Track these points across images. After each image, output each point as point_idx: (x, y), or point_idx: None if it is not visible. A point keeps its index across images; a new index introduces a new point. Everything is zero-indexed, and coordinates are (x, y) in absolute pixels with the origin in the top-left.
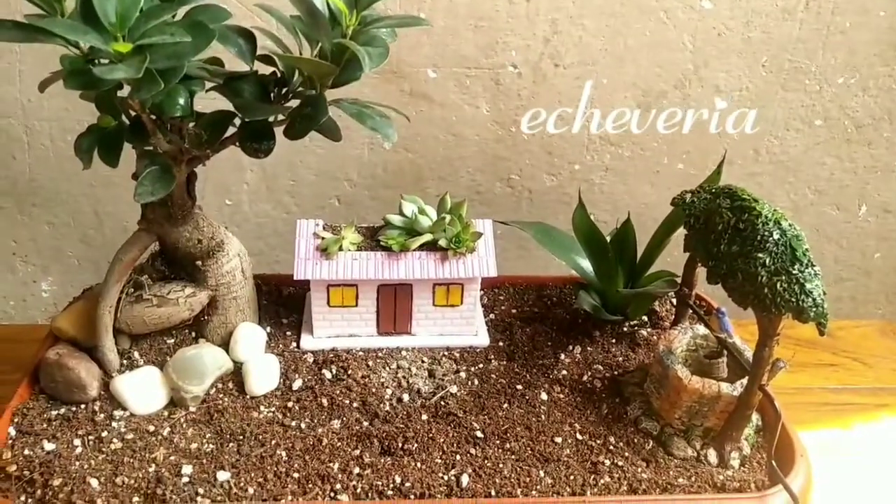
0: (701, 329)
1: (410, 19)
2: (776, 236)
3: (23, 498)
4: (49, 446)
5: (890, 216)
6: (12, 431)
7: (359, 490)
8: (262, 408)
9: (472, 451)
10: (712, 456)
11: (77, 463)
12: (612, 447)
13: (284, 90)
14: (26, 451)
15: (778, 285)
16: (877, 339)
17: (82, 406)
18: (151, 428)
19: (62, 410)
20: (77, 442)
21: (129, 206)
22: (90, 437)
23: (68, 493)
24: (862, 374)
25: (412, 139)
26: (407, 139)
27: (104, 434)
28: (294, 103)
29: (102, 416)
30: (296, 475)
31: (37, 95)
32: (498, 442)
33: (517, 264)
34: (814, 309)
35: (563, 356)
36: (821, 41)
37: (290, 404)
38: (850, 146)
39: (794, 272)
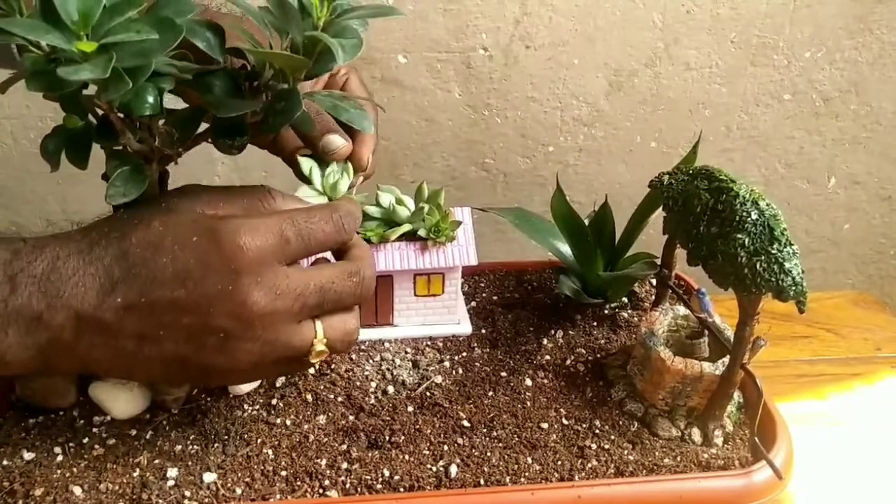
0: (681, 310)
1: (383, 9)
2: (754, 216)
3: None
4: (28, 455)
5: (858, 187)
6: None
7: (348, 485)
8: (245, 406)
9: (460, 440)
10: (696, 435)
11: (59, 471)
12: (597, 431)
13: (256, 84)
14: (5, 462)
15: (758, 265)
16: (849, 310)
17: (61, 413)
18: (133, 432)
19: (40, 418)
20: (57, 450)
21: (99, 204)
22: (71, 445)
23: (51, 503)
24: (835, 344)
25: (384, 126)
26: (379, 126)
27: (85, 440)
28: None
29: (82, 422)
30: (283, 473)
31: None
32: (485, 430)
33: (494, 248)
34: (793, 288)
35: (545, 341)
36: (787, 16)
37: (273, 401)
38: (818, 119)
39: (773, 252)
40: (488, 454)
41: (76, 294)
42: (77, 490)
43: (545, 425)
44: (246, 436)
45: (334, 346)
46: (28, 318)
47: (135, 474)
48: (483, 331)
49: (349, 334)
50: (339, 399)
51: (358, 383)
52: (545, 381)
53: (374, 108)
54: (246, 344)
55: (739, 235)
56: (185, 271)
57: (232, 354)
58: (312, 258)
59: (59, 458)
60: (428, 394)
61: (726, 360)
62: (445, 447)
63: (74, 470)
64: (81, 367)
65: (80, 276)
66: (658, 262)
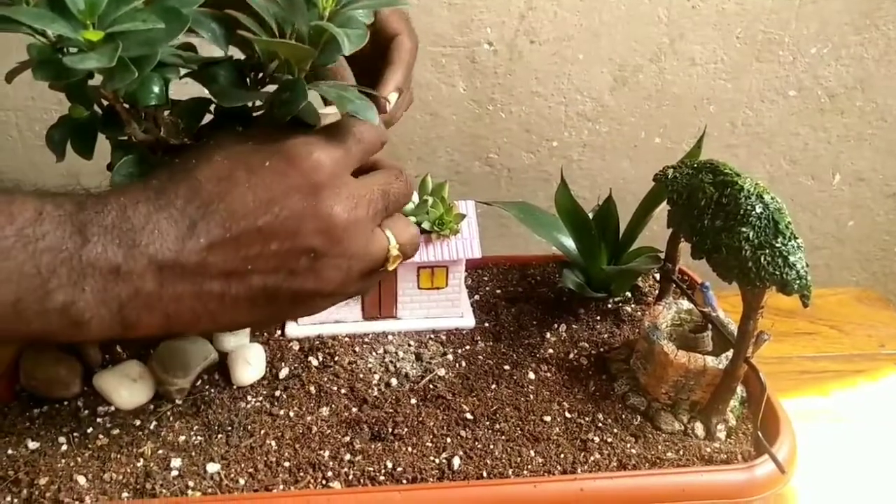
0: (685, 304)
1: None
2: (759, 210)
3: (8, 498)
4: (33, 445)
5: (863, 184)
6: None
7: (350, 477)
8: (249, 397)
9: (463, 433)
10: (699, 429)
11: (63, 461)
12: (600, 424)
13: (261, 74)
14: (9, 451)
15: (762, 259)
16: (853, 306)
17: (65, 403)
18: (137, 422)
19: (44, 408)
20: (62, 439)
21: None
22: (75, 434)
23: (55, 492)
24: (839, 341)
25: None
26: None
27: (89, 430)
28: (270, 88)
29: (86, 412)
30: (286, 464)
31: (1, 85)
32: (487, 423)
33: (498, 242)
34: (797, 281)
35: (548, 335)
36: (793, 11)
37: (277, 393)
38: (823, 116)
39: (777, 245)
40: (491, 447)
41: (153, 242)
42: (81, 479)
43: (548, 418)
44: (249, 427)
45: (406, 251)
46: (106, 270)
47: (139, 464)
48: (486, 324)
49: (415, 237)
50: (343, 391)
51: (361, 375)
52: (548, 374)
53: (412, 37)
54: (334, 260)
55: (744, 229)
56: (268, 196)
57: (321, 274)
58: None
59: (64, 447)
60: (431, 386)
61: (730, 354)
62: (448, 439)
63: (79, 459)
64: (163, 324)
65: (154, 223)
66: (662, 256)
